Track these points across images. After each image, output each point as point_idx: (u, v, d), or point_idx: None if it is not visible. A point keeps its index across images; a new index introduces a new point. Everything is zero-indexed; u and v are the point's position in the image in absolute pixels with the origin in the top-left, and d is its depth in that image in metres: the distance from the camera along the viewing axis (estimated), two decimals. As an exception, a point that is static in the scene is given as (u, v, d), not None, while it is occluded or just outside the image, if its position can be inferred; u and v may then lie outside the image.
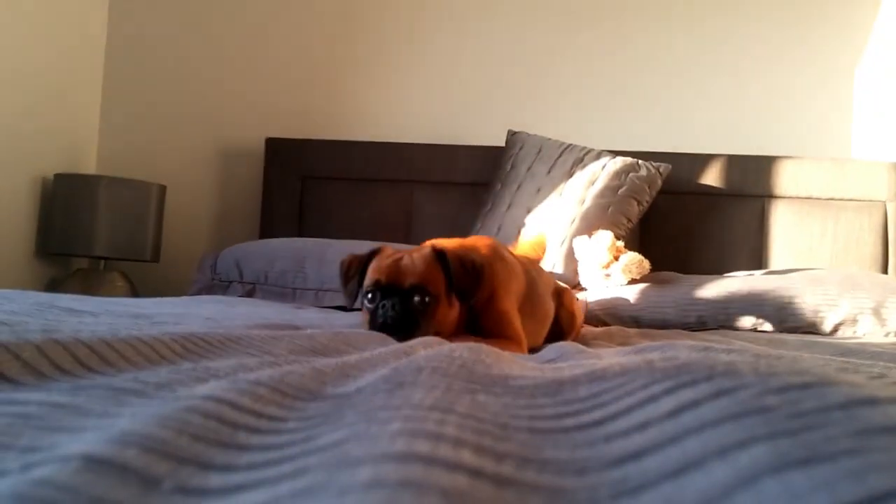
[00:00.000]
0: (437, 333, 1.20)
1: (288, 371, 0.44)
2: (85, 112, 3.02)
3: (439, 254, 1.29)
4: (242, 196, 3.02)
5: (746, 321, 2.02)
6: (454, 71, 2.97)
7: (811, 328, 1.99)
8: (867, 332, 1.95)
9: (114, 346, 0.52)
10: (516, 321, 1.36)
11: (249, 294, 2.33)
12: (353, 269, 1.33)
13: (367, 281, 1.28)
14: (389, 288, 1.24)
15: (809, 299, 2.01)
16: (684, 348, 0.73)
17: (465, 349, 0.52)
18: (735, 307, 2.04)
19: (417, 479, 0.24)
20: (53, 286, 2.75)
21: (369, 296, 1.26)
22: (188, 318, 1.37)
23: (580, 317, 1.72)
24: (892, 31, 2.77)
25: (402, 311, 1.22)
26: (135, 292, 2.66)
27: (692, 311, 2.06)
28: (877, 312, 1.97)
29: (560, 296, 1.65)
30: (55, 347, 0.48)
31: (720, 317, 2.04)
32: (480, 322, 1.34)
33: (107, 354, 0.51)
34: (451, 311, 1.29)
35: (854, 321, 1.97)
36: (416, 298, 1.23)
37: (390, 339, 1.07)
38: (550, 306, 1.58)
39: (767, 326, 2.01)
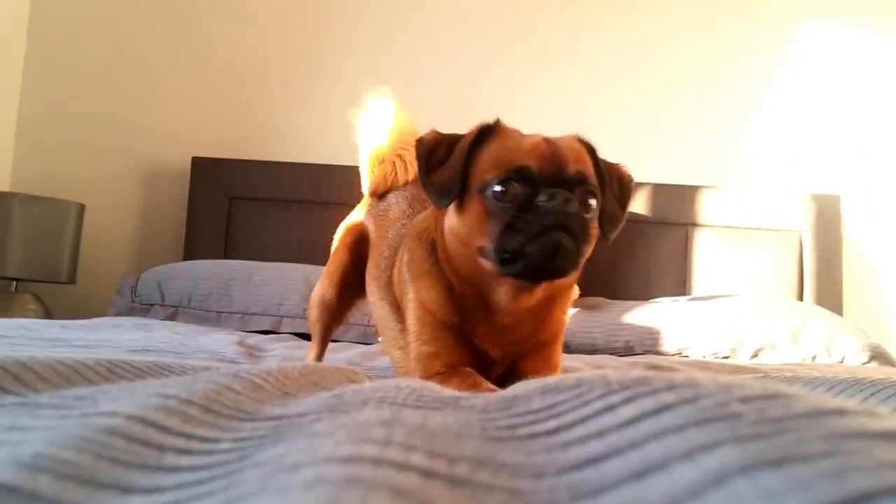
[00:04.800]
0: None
1: (224, 387, 0.41)
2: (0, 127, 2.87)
3: (588, 146, 0.91)
4: (166, 216, 2.92)
5: (671, 346, 2.06)
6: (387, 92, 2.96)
7: (732, 353, 2.05)
8: (784, 356, 2.02)
9: (31, 366, 0.48)
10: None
11: (171, 317, 2.25)
12: (444, 151, 0.89)
13: (501, 167, 0.83)
14: (547, 179, 0.81)
15: (731, 325, 2.07)
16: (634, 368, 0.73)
17: (412, 381, 0.50)
18: (661, 333, 2.08)
19: (365, 478, 0.22)
20: (-42, 308, 2.58)
21: (500, 188, 0.81)
22: (111, 342, 1.31)
23: None
24: (803, 66, 2.93)
25: (577, 230, 0.81)
26: (48, 315, 2.53)
27: (620, 337, 2.09)
28: (794, 338, 2.05)
29: None
30: (-38, 368, 0.44)
31: (647, 342, 2.08)
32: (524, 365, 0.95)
33: (22, 375, 0.47)
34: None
35: (773, 346, 2.04)
36: (588, 199, 0.84)
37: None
38: None
39: (692, 351, 2.05)
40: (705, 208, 2.72)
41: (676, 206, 2.72)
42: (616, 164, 0.94)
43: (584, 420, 0.29)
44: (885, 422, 0.24)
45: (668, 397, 0.28)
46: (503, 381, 0.89)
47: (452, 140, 0.90)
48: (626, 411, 0.28)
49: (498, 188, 0.81)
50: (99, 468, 0.27)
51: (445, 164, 0.88)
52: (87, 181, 2.90)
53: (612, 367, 1.30)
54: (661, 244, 2.72)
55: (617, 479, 0.24)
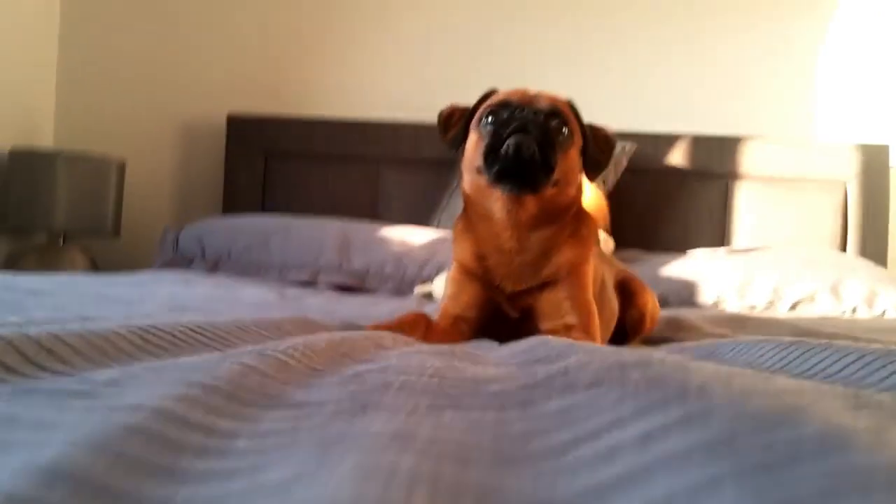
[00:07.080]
0: (551, 205, 0.99)
1: (250, 368, 0.42)
2: (41, 85, 2.91)
3: (571, 104, 1.08)
4: (205, 172, 2.95)
5: (708, 298, 2.04)
6: (421, 47, 2.92)
7: (770, 306, 2.02)
8: (824, 308, 1.98)
9: (65, 339, 0.50)
10: (595, 313, 1.05)
11: (212, 270, 2.29)
12: (458, 114, 1.12)
13: (490, 102, 1.04)
14: (521, 109, 0.98)
15: (770, 277, 2.04)
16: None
17: (436, 357, 0.50)
18: (697, 285, 2.06)
19: None
20: (11, 262, 2.67)
21: (490, 118, 1.01)
22: (151, 298, 1.35)
23: (652, 316, 1.30)
24: (855, 12, 2.80)
25: (539, 136, 0.96)
26: (95, 268, 2.60)
27: (656, 289, 2.05)
28: (834, 290, 2.00)
29: (626, 288, 1.28)
30: (2, 346, 0.45)
31: (683, 294, 2.05)
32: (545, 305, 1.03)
33: (57, 349, 0.48)
34: (577, 177, 1.05)
35: (812, 299, 2.01)
36: (555, 123, 0.99)
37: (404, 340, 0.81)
38: (616, 302, 1.23)
39: (728, 304, 2.03)
40: (746, 159, 2.64)
41: (717, 157, 2.65)
42: (601, 127, 1.11)
43: (596, 434, 0.29)
44: (887, 454, 0.23)
45: (677, 413, 0.27)
46: (518, 333, 0.93)
47: (461, 108, 1.12)
48: (636, 427, 0.27)
49: (486, 118, 1.01)
50: (115, 473, 0.28)
51: (457, 124, 1.10)
52: (127, 138, 2.94)
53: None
54: (700, 196, 2.66)
55: None
